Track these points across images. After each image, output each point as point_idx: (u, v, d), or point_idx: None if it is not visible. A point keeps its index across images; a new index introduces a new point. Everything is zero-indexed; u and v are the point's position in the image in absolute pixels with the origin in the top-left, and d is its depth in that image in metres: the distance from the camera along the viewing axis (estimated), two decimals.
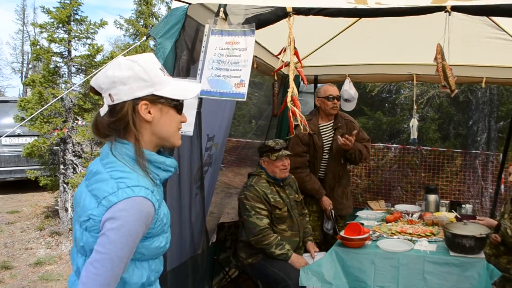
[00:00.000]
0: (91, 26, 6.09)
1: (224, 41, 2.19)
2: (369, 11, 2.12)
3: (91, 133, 5.34)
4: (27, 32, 23.30)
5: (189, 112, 2.08)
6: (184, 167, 2.51)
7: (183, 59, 2.26)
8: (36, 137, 6.01)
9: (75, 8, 5.96)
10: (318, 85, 4.10)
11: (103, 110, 1.25)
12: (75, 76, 6.12)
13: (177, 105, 1.31)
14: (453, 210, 3.44)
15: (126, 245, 1.12)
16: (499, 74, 3.92)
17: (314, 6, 2.10)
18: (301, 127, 2.12)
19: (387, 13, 2.10)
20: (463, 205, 3.50)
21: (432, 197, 3.50)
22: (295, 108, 2.12)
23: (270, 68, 3.77)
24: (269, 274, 2.88)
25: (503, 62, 3.76)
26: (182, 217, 2.58)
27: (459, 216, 3.09)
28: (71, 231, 5.48)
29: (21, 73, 23.95)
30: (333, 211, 3.50)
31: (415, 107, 4.26)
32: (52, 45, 5.92)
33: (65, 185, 5.76)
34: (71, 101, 5.86)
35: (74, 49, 6.06)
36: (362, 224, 2.91)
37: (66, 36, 5.94)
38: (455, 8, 1.96)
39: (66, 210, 5.73)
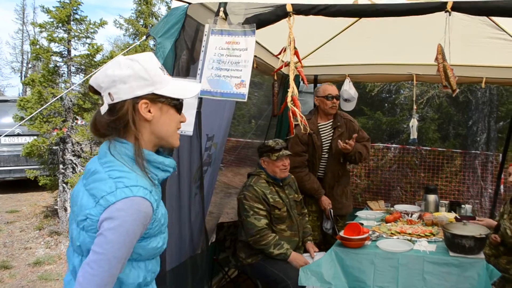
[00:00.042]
0: (91, 26, 6.09)
1: (224, 41, 2.18)
2: (369, 11, 2.12)
3: (90, 133, 5.34)
4: (27, 31, 23.31)
5: (189, 112, 2.08)
6: (183, 167, 2.50)
7: (183, 58, 2.26)
8: (35, 137, 6.00)
9: (75, 8, 5.96)
10: (318, 85, 4.09)
11: (103, 109, 1.24)
12: (75, 76, 6.12)
13: (177, 105, 1.31)
14: (452, 211, 3.44)
15: (123, 245, 1.11)
16: (499, 74, 3.92)
17: (314, 4, 2.09)
18: (301, 127, 2.12)
19: (388, 13, 2.10)
20: (463, 205, 3.50)
21: (432, 197, 3.50)
22: (295, 108, 2.11)
23: (270, 68, 3.77)
24: (269, 274, 2.88)
25: (503, 62, 3.76)
26: (182, 216, 2.58)
27: (459, 217, 3.09)
28: None
29: (21, 73, 23.96)
30: (332, 211, 3.50)
31: (415, 107, 4.25)
32: (52, 44, 5.92)
33: (64, 184, 5.76)
34: (71, 101, 5.85)
35: (73, 48, 6.07)
36: (362, 224, 2.91)
37: (65, 35, 5.93)
38: (455, 8, 1.96)
39: (66, 209, 5.73)
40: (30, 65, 23.02)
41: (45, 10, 5.83)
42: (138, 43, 3.30)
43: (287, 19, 2.14)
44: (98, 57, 6.14)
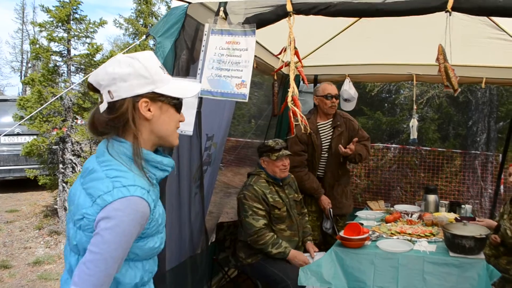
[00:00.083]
0: (91, 25, 6.09)
1: (224, 40, 2.18)
2: (369, 11, 2.11)
3: (89, 132, 5.34)
4: (27, 31, 23.29)
5: (189, 111, 2.08)
6: (183, 166, 2.50)
7: (183, 58, 2.26)
8: (35, 136, 6.00)
9: (75, 7, 5.95)
10: (318, 84, 4.09)
11: (102, 107, 1.24)
12: (75, 75, 6.12)
13: (177, 104, 1.31)
14: (452, 211, 3.44)
15: (120, 245, 1.10)
16: (499, 75, 3.92)
17: (315, 3, 2.09)
18: (302, 126, 2.12)
19: (388, 13, 2.09)
20: (463, 206, 3.50)
21: (432, 198, 3.50)
22: (295, 108, 2.11)
23: (270, 68, 3.77)
24: (269, 274, 2.87)
25: (503, 63, 3.76)
26: (182, 216, 2.57)
27: (459, 218, 3.09)
28: None
29: (21, 72, 23.95)
30: (331, 210, 3.49)
31: (415, 107, 4.25)
32: (52, 44, 5.92)
33: (64, 184, 5.76)
34: (71, 100, 5.85)
35: (73, 48, 6.07)
36: (362, 224, 2.90)
37: (65, 35, 5.93)
38: (456, 8, 1.96)
39: (65, 209, 5.73)
40: (30, 65, 23.02)
41: (45, 9, 5.83)
42: (138, 42, 3.30)
43: (287, 18, 2.13)
44: (98, 57, 6.14)
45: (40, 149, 5.78)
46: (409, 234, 2.83)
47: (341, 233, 2.71)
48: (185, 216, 2.61)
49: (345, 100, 4.32)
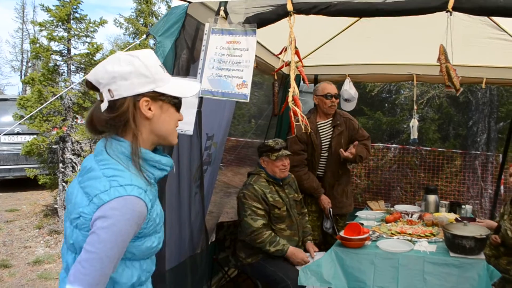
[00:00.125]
0: (91, 25, 6.09)
1: (225, 40, 2.18)
2: (370, 11, 2.11)
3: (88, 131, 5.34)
4: (27, 30, 23.30)
5: (190, 111, 2.07)
6: (183, 166, 2.50)
7: (183, 58, 2.25)
8: (35, 136, 6.00)
9: (75, 7, 5.95)
10: (317, 84, 4.08)
11: (104, 106, 1.22)
12: (75, 75, 6.12)
13: (177, 103, 1.30)
14: (452, 212, 3.43)
15: (115, 245, 1.10)
16: (499, 75, 3.91)
17: (315, 3, 2.08)
18: (302, 126, 2.12)
19: (388, 13, 2.09)
20: (463, 206, 3.50)
21: (432, 198, 3.49)
22: (296, 108, 2.11)
23: (270, 68, 3.76)
24: (269, 274, 2.87)
25: (503, 63, 3.76)
26: (182, 216, 2.57)
27: (459, 219, 3.09)
28: None
29: (21, 71, 23.95)
30: (331, 210, 3.49)
31: (415, 107, 4.25)
32: (52, 43, 5.92)
33: (64, 183, 5.75)
34: (71, 100, 5.85)
35: (73, 47, 6.07)
36: (362, 224, 2.90)
37: (65, 34, 5.93)
38: (456, 8, 1.95)
39: (65, 208, 5.72)
40: (30, 64, 23.01)
41: (45, 8, 5.83)
42: (138, 42, 3.30)
43: (287, 18, 2.13)
44: (98, 56, 6.14)
45: (40, 149, 5.78)
46: (410, 234, 2.83)
47: (341, 233, 2.71)
48: (185, 216, 2.61)
49: (346, 100, 4.32)
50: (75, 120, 6.04)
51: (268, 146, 3.02)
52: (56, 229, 5.63)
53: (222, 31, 2.19)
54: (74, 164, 5.82)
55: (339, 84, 4.28)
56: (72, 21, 5.96)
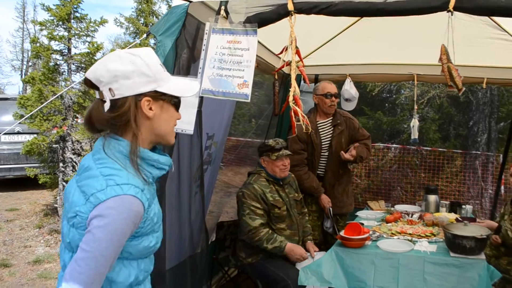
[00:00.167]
0: (91, 24, 6.09)
1: (226, 40, 2.17)
2: (370, 11, 2.11)
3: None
4: (27, 29, 23.29)
5: (190, 110, 2.07)
6: (183, 166, 2.50)
7: (184, 57, 2.25)
8: (35, 135, 6.00)
9: (75, 6, 5.95)
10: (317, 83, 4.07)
11: (106, 106, 1.21)
12: (75, 74, 6.12)
13: (177, 103, 1.30)
14: (453, 212, 3.43)
15: (111, 244, 1.09)
16: (500, 75, 3.91)
17: (316, 3, 2.08)
18: (303, 126, 2.11)
19: (389, 13, 2.09)
20: (463, 206, 3.50)
21: (432, 198, 3.49)
22: (297, 108, 2.10)
23: (271, 67, 3.76)
24: (269, 273, 2.87)
25: (504, 63, 3.75)
26: (182, 215, 2.57)
27: (460, 219, 3.09)
28: None
29: (21, 71, 23.94)
30: (331, 209, 3.49)
31: (415, 107, 4.24)
32: (52, 42, 5.92)
33: (64, 183, 5.76)
34: (71, 99, 5.85)
35: (74, 47, 6.07)
36: (362, 224, 2.90)
37: (66, 34, 5.93)
38: (458, 8, 1.95)
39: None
40: (30, 63, 23.01)
41: (46, 8, 5.83)
42: (138, 41, 3.30)
43: (288, 18, 2.13)
44: (99, 56, 6.14)
45: (41, 148, 5.78)
46: (410, 234, 2.83)
47: (342, 233, 2.71)
48: (185, 215, 2.61)
49: (346, 100, 4.31)
50: (75, 119, 6.05)
51: (269, 146, 3.02)
52: (56, 228, 5.63)
53: (222, 31, 2.18)
54: (74, 164, 5.82)
55: (339, 83, 4.28)
56: (72, 21, 5.96)
